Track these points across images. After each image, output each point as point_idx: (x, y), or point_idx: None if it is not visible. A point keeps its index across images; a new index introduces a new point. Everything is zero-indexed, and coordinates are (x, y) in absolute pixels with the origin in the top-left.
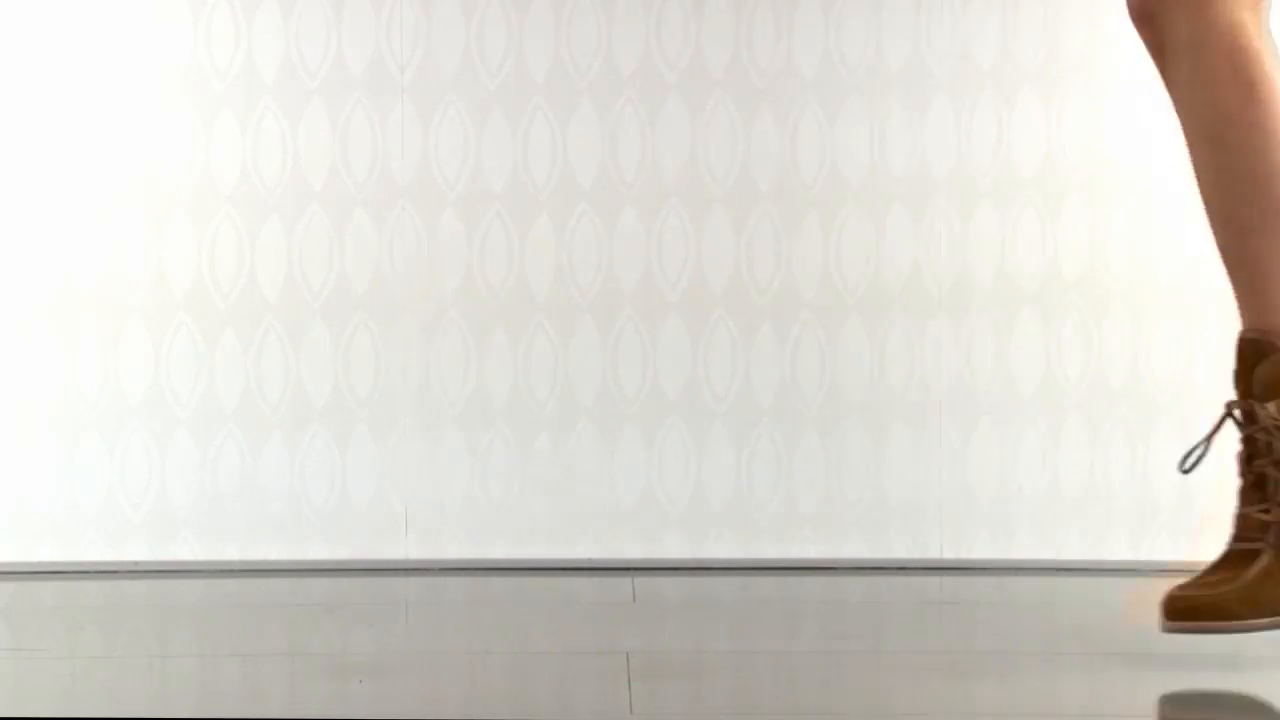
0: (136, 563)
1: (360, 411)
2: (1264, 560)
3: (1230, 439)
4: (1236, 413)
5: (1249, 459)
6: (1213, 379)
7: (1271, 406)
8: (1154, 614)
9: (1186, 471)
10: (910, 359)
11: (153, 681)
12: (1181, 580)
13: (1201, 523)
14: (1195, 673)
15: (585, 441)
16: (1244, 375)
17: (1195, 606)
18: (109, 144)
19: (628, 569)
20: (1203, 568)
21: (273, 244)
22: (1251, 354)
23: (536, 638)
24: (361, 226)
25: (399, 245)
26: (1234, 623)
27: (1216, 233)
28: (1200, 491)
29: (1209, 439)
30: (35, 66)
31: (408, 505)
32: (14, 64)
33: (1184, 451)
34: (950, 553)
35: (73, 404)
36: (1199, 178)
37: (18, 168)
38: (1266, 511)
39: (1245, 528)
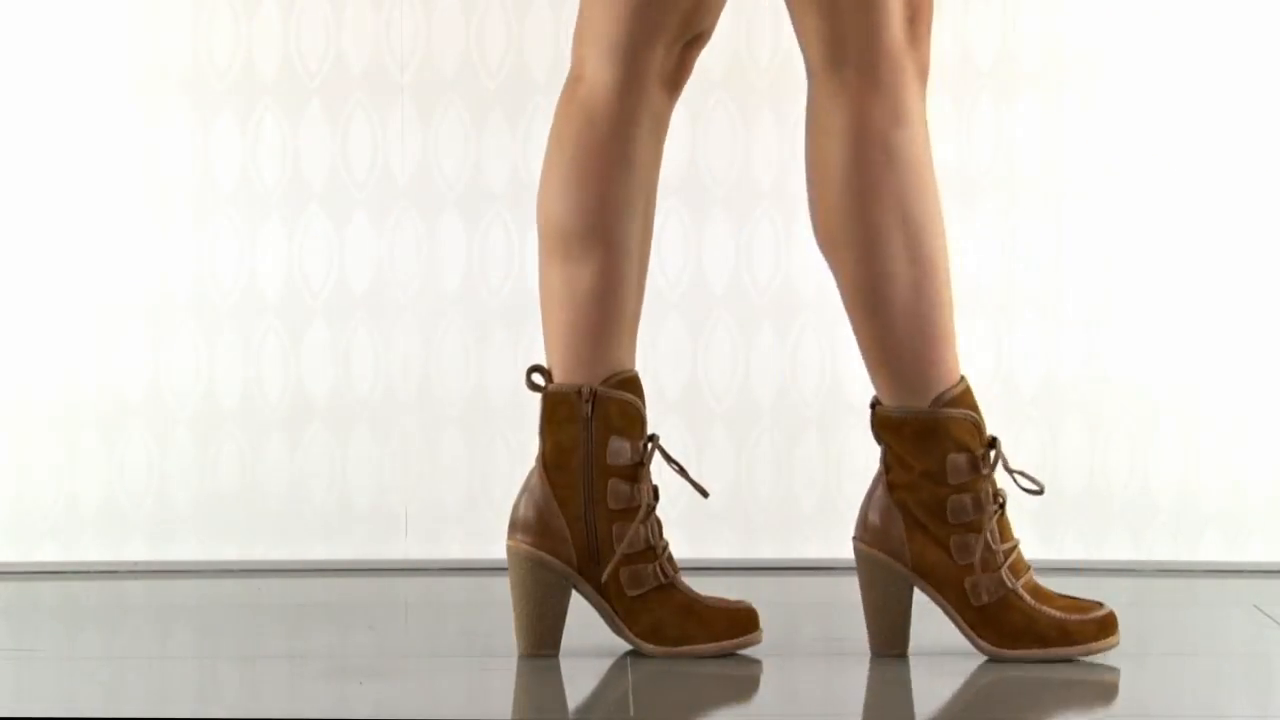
0: (136, 563)
1: (360, 411)
2: None
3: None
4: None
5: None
6: (1214, 380)
7: None
8: None
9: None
10: None
11: (153, 681)
12: None
13: (1201, 523)
14: (1191, 670)
15: None
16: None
17: None
18: (109, 144)
19: None
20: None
21: (273, 244)
22: None
23: None
24: (361, 226)
25: (399, 245)
26: None
27: None
28: (1201, 492)
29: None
30: (35, 67)
31: (408, 505)
32: (14, 64)
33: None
34: None
35: (73, 404)
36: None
37: (18, 168)
38: None
39: None
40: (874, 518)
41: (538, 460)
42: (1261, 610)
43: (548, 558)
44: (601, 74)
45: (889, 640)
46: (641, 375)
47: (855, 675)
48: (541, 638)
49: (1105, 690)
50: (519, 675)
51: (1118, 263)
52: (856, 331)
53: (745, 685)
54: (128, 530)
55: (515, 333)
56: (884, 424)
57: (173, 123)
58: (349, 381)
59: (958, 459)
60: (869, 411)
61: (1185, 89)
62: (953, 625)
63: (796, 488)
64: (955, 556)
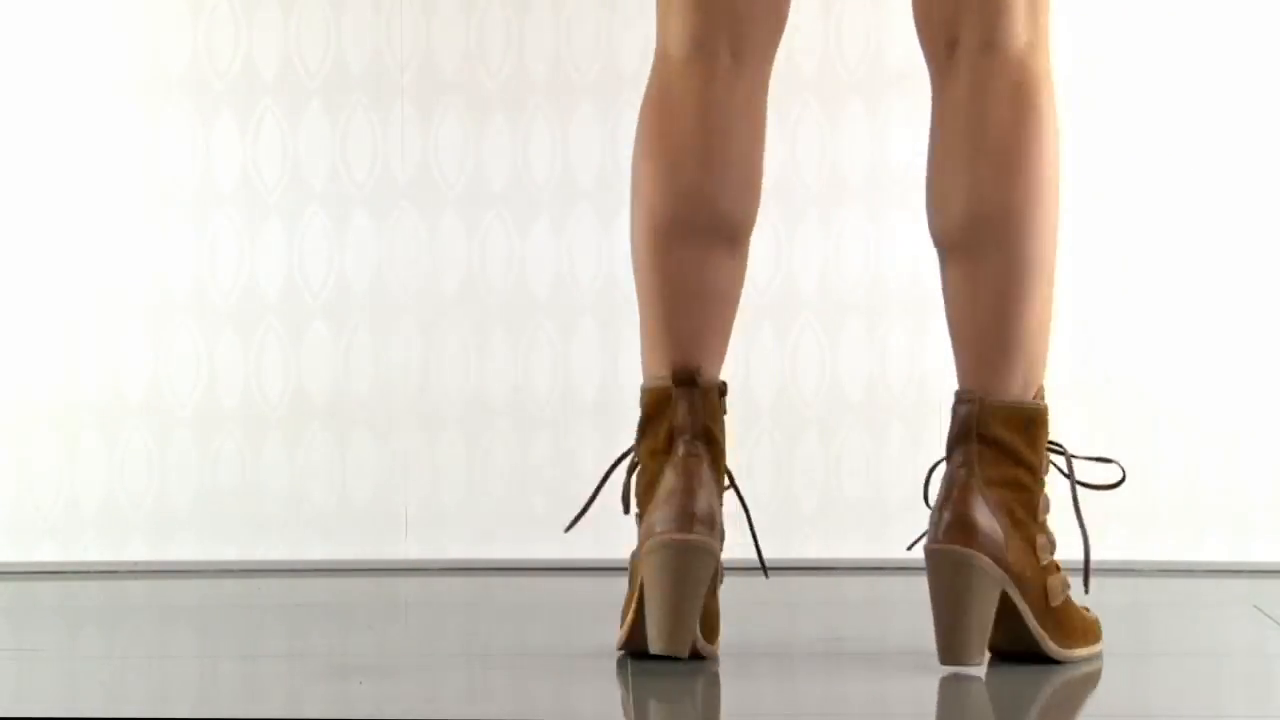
0: (136, 563)
1: (360, 411)
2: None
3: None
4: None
5: None
6: (1214, 380)
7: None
8: None
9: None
10: (910, 359)
11: (153, 681)
12: None
13: (1201, 523)
14: (1191, 670)
15: (585, 441)
16: None
17: None
18: (109, 144)
19: (627, 569)
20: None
21: (273, 244)
22: None
23: (536, 638)
24: (361, 226)
25: (399, 245)
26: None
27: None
28: (1201, 492)
29: None
30: (35, 67)
31: (408, 505)
32: (14, 64)
33: None
34: None
35: (73, 404)
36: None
37: (18, 168)
38: None
39: None
40: (981, 519)
41: (707, 455)
42: (1261, 610)
43: (718, 551)
44: (755, 72)
45: (977, 647)
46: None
47: (855, 675)
48: (690, 633)
49: (1106, 690)
50: (519, 675)
51: (1118, 263)
52: (997, 317)
53: (745, 685)
54: (128, 530)
55: (515, 333)
56: (1001, 415)
57: (173, 123)
58: (349, 381)
59: (1046, 454)
60: (966, 405)
61: (1185, 90)
62: (1021, 629)
63: (796, 488)
64: (1039, 555)
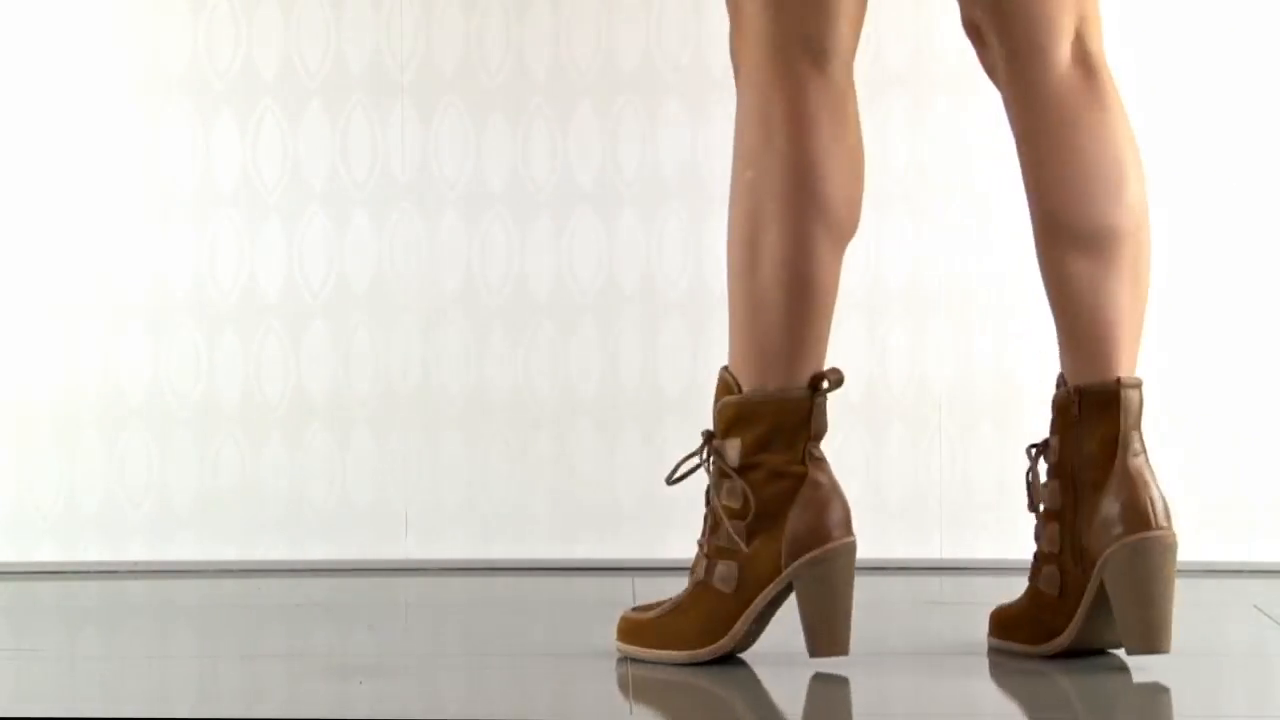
0: (136, 563)
1: (360, 411)
2: (680, 594)
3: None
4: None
5: (709, 491)
6: (1214, 380)
7: (728, 445)
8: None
9: (671, 483)
10: (910, 359)
11: (153, 681)
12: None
13: (1201, 523)
14: (1191, 670)
15: (585, 441)
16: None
17: (626, 629)
18: (109, 144)
19: (628, 569)
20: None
21: (273, 244)
22: (719, 388)
23: (536, 638)
24: (361, 226)
25: (399, 245)
26: (645, 650)
27: None
28: (1200, 492)
29: (691, 456)
30: (36, 66)
31: (408, 505)
32: (14, 64)
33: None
34: (950, 553)
35: (73, 404)
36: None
37: (18, 167)
38: (702, 546)
39: (696, 558)
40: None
41: (825, 458)
42: (1261, 610)
43: None
44: (852, 57)
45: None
46: (642, 375)
47: (855, 675)
48: (848, 632)
49: (1105, 690)
50: (519, 675)
51: None
52: (1141, 304)
53: (745, 685)
54: (128, 530)
55: (515, 333)
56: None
57: (173, 123)
58: (349, 381)
59: None
60: (1136, 391)
61: (1185, 91)
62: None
63: None
64: None
